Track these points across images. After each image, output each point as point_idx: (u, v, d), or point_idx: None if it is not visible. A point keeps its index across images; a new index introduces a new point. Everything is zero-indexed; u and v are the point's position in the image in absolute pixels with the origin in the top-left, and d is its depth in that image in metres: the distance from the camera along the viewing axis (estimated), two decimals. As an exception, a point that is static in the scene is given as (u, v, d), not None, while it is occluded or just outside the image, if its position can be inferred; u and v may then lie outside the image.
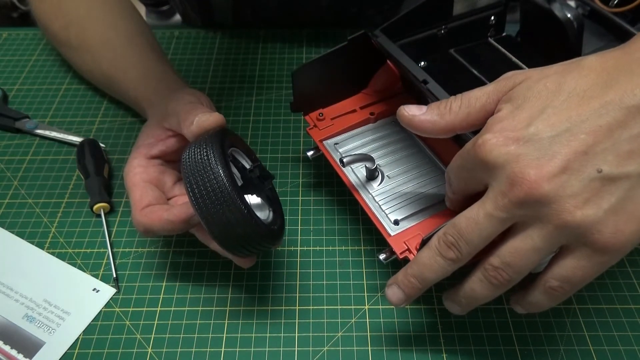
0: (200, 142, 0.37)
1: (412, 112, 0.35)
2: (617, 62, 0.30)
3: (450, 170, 0.35)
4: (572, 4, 0.43)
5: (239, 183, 0.39)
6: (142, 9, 1.03)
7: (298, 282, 0.44)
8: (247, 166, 0.41)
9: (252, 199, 0.41)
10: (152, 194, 0.41)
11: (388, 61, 0.47)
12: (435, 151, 0.45)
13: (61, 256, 0.46)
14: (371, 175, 0.43)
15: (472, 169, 0.32)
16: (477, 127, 0.33)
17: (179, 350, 0.41)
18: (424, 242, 0.35)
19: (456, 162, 0.34)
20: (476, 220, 0.31)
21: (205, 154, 0.36)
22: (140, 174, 0.42)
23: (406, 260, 0.38)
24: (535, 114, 0.30)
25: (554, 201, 0.29)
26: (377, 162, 0.43)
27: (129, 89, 0.53)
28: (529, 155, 0.29)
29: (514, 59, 0.45)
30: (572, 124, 0.29)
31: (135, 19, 0.59)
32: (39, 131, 0.56)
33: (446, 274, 0.34)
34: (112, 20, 0.57)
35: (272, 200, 0.41)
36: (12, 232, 0.48)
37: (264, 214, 0.40)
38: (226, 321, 0.42)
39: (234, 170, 0.39)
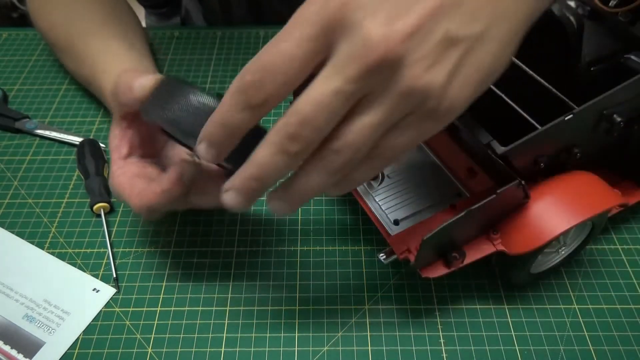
0: (153, 91, 0.35)
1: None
2: None
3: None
4: (572, 4, 0.42)
5: None
6: (141, 11, 1.03)
7: (298, 282, 0.44)
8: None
9: None
10: (142, 183, 0.40)
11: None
12: (436, 151, 0.45)
13: (61, 256, 0.46)
14: (371, 175, 0.43)
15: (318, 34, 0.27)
16: None
17: (179, 350, 0.41)
18: (424, 242, 0.35)
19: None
20: (323, 101, 0.27)
21: (165, 90, 0.33)
22: (123, 175, 0.41)
23: (406, 261, 0.38)
24: None
25: (406, 64, 0.26)
26: (377, 162, 0.43)
27: (105, 97, 0.52)
28: (384, 9, 0.26)
29: (513, 59, 0.45)
30: None
31: (119, 20, 0.57)
32: (39, 131, 0.56)
33: (290, 169, 0.30)
34: (94, 24, 0.56)
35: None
36: (12, 232, 0.48)
37: None
38: (226, 321, 0.42)
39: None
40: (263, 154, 0.29)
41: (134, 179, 0.40)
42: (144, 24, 1.08)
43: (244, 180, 0.30)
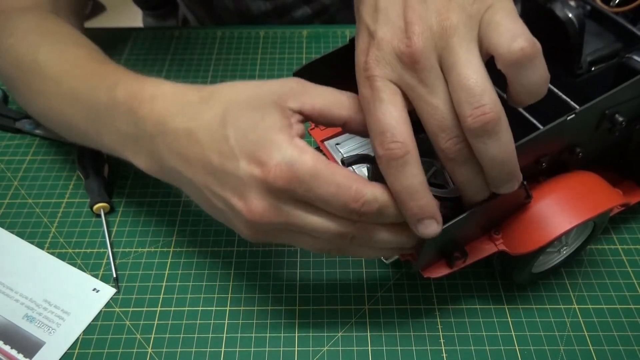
0: None
1: None
2: None
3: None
4: (573, 3, 0.42)
5: None
6: (138, 13, 1.03)
7: (298, 282, 0.44)
8: None
9: None
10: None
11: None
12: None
13: (61, 256, 0.46)
14: (372, 175, 0.42)
15: None
16: None
17: (179, 350, 0.41)
18: (426, 243, 0.34)
19: None
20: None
21: None
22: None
23: (407, 261, 0.38)
24: None
25: None
26: (378, 162, 0.43)
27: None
28: None
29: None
30: None
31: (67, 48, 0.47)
32: (39, 131, 0.56)
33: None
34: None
35: None
36: (12, 232, 0.48)
37: None
38: (226, 321, 0.42)
39: None
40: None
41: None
42: (141, 25, 1.08)
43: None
